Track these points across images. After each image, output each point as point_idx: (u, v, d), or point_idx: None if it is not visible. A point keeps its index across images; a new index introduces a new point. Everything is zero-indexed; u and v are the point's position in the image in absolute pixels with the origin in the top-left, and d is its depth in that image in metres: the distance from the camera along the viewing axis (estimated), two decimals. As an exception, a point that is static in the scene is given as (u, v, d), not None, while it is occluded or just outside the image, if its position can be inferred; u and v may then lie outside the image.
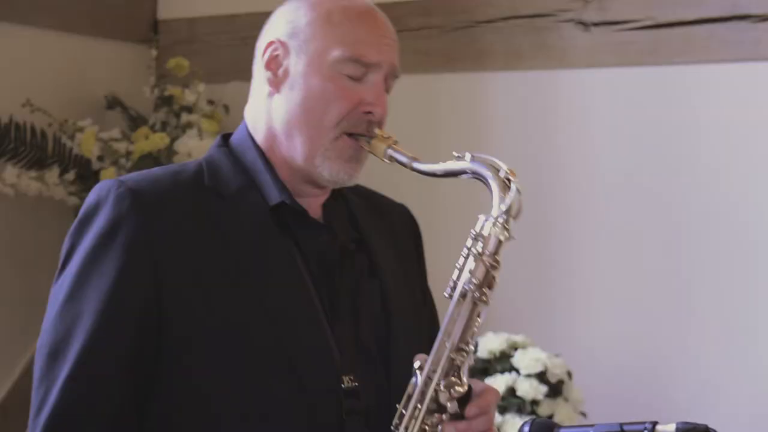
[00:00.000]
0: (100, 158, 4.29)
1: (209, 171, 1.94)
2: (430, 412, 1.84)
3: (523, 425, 1.77)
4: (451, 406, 1.84)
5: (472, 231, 1.87)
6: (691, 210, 4.09)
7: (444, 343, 1.85)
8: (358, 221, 2.03)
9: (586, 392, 3.81)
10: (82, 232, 1.87)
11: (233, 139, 2.00)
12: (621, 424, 1.71)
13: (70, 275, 1.86)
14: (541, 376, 3.69)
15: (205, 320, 1.84)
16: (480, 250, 1.86)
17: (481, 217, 1.88)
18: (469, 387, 1.86)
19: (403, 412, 1.84)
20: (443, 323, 1.86)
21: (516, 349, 3.76)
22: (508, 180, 1.87)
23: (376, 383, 1.89)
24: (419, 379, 1.84)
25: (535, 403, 3.64)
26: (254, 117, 1.99)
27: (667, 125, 4.12)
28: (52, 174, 4.28)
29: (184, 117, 4.45)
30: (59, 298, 1.86)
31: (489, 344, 3.77)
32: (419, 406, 1.83)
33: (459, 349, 1.85)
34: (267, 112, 1.96)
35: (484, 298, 1.86)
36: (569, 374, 3.79)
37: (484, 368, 3.75)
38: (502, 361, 3.74)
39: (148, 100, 4.56)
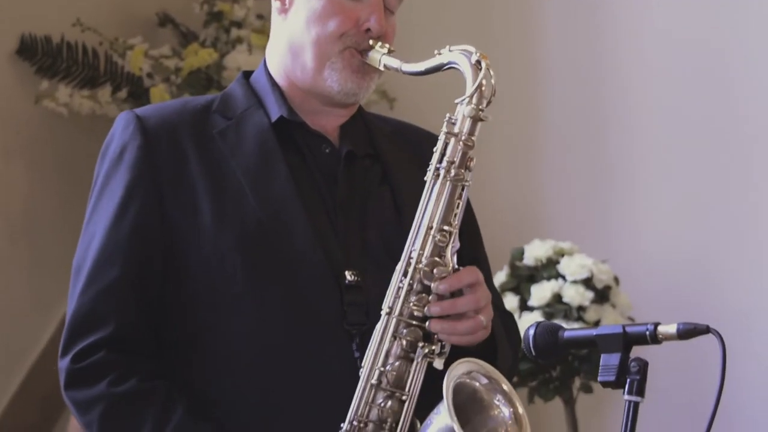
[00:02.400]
0: (150, 75, 4.33)
1: (221, 99, 2.08)
2: (415, 292, 1.88)
3: (528, 328, 1.79)
4: (436, 287, 1.87)
5: (447, 115, 1.94)
6: (749, 106, 4.04)
7: (424, 224, 1.90)
8: (376, 139, 2.11)
9: (634, 298, 3.81)
10: (102, 161, 2.04)
11: (253, 74, 2.13)
12: (623, 326, 1.73)
13: (91, 199, 2.03)
14: (588, 282, 3.70)
15: (204, 231, 1.94)
16: (455, 131, 1.91)
17: (456, 101, 1.95)
18: (456, 269, 1.89)
19: (388, 291, 1.89)
20: (421, 204, 1.92)
21: (562, 255, 3.76)
22: (479, 63, 1.93)
23: (383, 279, 1.93)
24: (402, 260, 1.89)
25: (581, 309, 3.65)
26: (270, 50, 2.12)
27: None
28: (105, 92, 4.33)
29: (234, 32, 4.47)
30: (84, 222, 2.02)
31: (535, 251, 3.77)
32: (402, 285, 1.88)
33: (441, 230, 1.89)
34: (278, 39, 2.09)
35: (461, 177, 1.91)
36: (616, 280, 3.79)
37: (530, 275, 3.76)
38: (548, 268, 3.75)
39: (198, 17, 4.57)
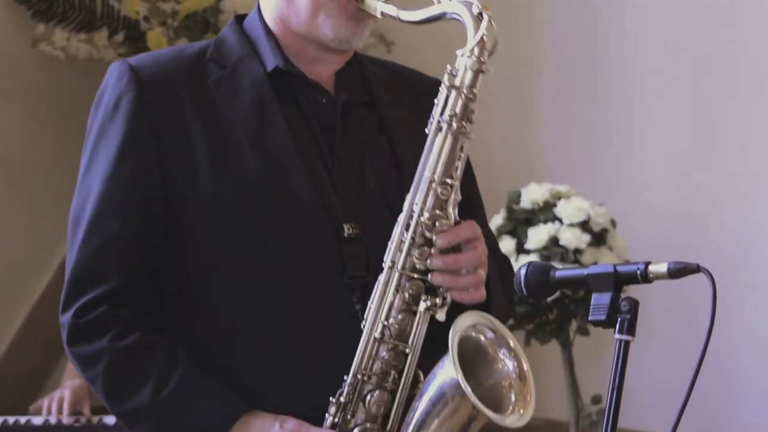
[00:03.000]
0: (147, 19, 4.31)
1: (215, 46, 2.05)
2: (417, 245, 1.87)
3: (520, 268, 1.80)
4: (435, 240, 1.87)
5: (448, 67, 1.91)
6: (750, 48, 4.02)
7: (426, 177, 1.89)
8: (372, 86, 2.08)
9: (631, 240, 3.83)
10: (96, 112, 2.01)
11: (246, 19, 2.09)
12: (615, 266, 1.73)
13: (86, 151, 2.00)
14: (584, 225, 3.70)
15: (202, 183, 1.92)
16: (456, 83, 1.90)
17: (458, 53, 1.92)
18: (458, 222, 1.89)
19: (390, 244, 1.88)
20: (423, 157, 1.90)
21: (559, 198, 3.77)
22: (481, 15, 1.90)
23: (382, 230, 1.93)
24: (403, 213, 1.89)
25: (578, 252, 3.66)
26: None
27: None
28: (101, 36, 4.32)
29: (231, -25, 4.45)
30: (80, 174, 2.00)
31: (532, 194, 3.78)
32: (404, 239, 1.88)
33: (443, 183, 1.88)
34: None
35: (463, 130, 1.89)
36: (613, 223, 3.80)
37: (527, 219, 3.77)
38: (545, 211, 3.75)
39: (196, -41, 4.55)
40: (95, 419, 3.30)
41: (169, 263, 1.95)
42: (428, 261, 1.87)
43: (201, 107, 1.96)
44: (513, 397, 1.87)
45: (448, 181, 1.89)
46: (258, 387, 1.91)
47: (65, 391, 3.40)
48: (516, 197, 3.84)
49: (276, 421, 1.87)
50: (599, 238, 3.73)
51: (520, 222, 3.77)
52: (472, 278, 1.88)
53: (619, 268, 1.72)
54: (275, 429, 1.86)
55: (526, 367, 1.89)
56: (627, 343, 1.70)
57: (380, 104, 2.07)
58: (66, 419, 3.31)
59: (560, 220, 3.71)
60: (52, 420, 3.29)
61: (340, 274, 1.93)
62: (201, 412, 1.89)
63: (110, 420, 3.27)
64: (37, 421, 3.32)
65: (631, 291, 1.81)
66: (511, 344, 1.89)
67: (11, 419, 3.31)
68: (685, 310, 3.99)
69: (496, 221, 3.81)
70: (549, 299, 3.69)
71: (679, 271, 1.69)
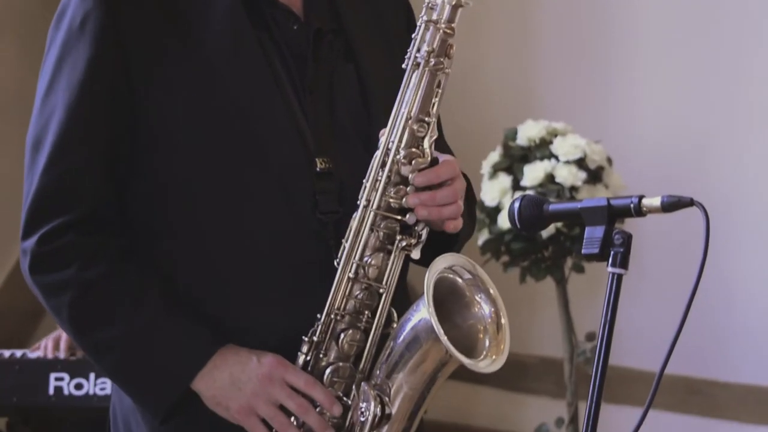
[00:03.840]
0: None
1: None
2: (393, 184, 1.86)
3: (513, 201, 1.79)
4: (413, 178, 1.85)
5: (426, 0, 1.88)
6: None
7: (403, 114, 1.86)
8: (340, 9, 2.02)
9: (627, 178, 3.82)
10: (58, 26, 1.91)
11: None
12: (608, 199, 1.73)
13: (48, 70, 1.91)
14: (580, 163, 3.70)
15: (175, 108, 1.87)
16: (434, 18, 1.87)
17: None
18: (435, 159, 1.87)
19: (365, 183, 1.86)
20: (399, 94, 1.87)
21: (555, 135, 3.76)
22: None
23: (354, 164, 1.91)
24: (379, 150, 1.86)
25: (574, 189, 3.66)
26: None
27: None
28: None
29: None
30: (39, 93, 1.92)
31: (528, 131, 3.77)
32: (380, 177, 1.86)
33: (419, 120, 1.86)
34: None
35: (440, 66, 1.86)
36: (609, 160, 3.79)
37: (523, 156, 3.76)
38: (541, 149, 3.74)
39: None
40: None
41: (138, 190, 1.89)
42: (404, 200, 1.85)
43: (173, 28, 1.88)
44: (487, 343, 1.86)
45: (425, 118, 1.86)
46: (230, 322, 1.88)
47: (63, 332, 3.41)
48: (512, 134, 3.83)
49: (252, 355, 1.85)
50: (595, 176, 3.72)
51: (516, 159, 3.76)
52: (453, 209, 1.86)
53: (613, 202, 1.72)
54: (253, 363, 1.85)
55: (503, 316, 1.87)
56: (620, 277, 1.70)
57: (348, 30, 2.01)
58: (62, 355, 3.32)
59: (556, 158, 3.70)
60: (49, 356, 3.31)
61: (313, 209, 1.90)
62: (173, 348, 1.86)
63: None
64: (33, 355, 3.33)
65: (628, 229, 1.80)
66: (491, 291, 1.88)
67: (7, 353, 3.33)
68: (679, 249, 4.00)
69: (492, 158, 3.80)
70: (544, 236, 3.69)
71: (672, 204, 1.69)
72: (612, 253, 1.70)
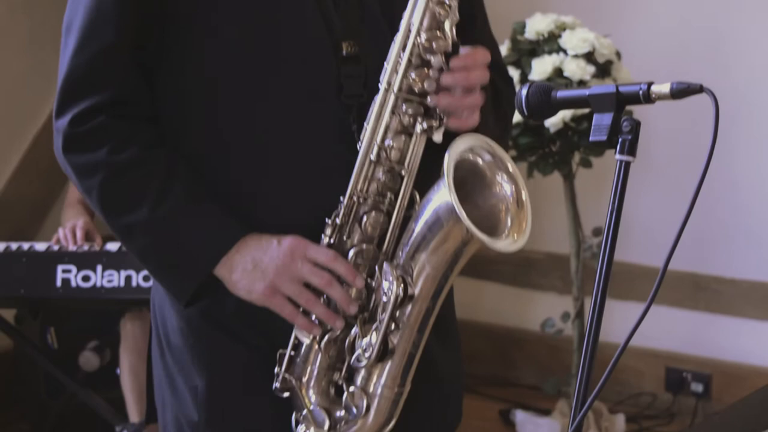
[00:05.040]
0: None
1: None
2: (414, 67, 1.84)
3: (521, 88, 1.77)
4: (435, 60, 1.84)
5: None
6: None
7: None
8: None
9: (635, 73, 3.80)
10: None
11: None
12: (616, 86, 1.71)
13: None
14: (589, 57, 3.67)
15: None
16: None
17: None
18: (456, 44, 1.85)
19: (386, 66, 1.85)
20: None
21: (564, 29, 3.73)
22: None
23: (382, 49, 1.89)
24: (400, 32, 1.85)
25: (582, 83, 3.63)
26: None
27: None
28: None
29: None
30: None
31: (536, 25, 3.74)
32: (400, 60, 1.84)
33: (440, 3, 1.84)
34: None
35: None
36: (618, 54, 3.76)
37: (531, 49, 3.73)
38: (549, 42, 3.71)
39: None
40: (98, 247, 3.33)
41: (164, 75, 1.90)
42: (425, 82, 1.83)
43: None
44: (509, 222, 1.85)
45: (447, 1, 1.84)
46: (253, 208, 1.89)
47: (78, 222, 3.42)
48: (520, 28, 3.80)
49: (273, 238, 1.86)
50: (604, 70, 3.70)
51: (524, 53, 3.74)
52: (473, 99, 1.86)
53: (621, 88, 1.70)
54: (273, 246, 1.85)
55: (524, 193, 1.87)
56: (627, 164, 1.68)
57: None
58: (72, 247, 3.34)
59: (565, 51, 3.68)
60: (70, 246, 3.32)
61: (337, 93, 1.89)
62: (198, 233, 1.87)
63: (113, 246, 3.29)
64: (40, 247, 3.35)
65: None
66: (510, 169, 1.87)
67: (14, 245, 3.34)
68: (687, 145, 3.99)
69: (499, 51, 3.77)
70: (552, 131, 3.67)
71: (681, 91, 1.66)
72: (620, 140, 1.68)
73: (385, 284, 1.82)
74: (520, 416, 4.30)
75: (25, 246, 3.34)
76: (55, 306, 3.72)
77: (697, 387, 4.45)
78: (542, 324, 4.11)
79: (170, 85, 1.91)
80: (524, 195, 1.87)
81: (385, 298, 1.83)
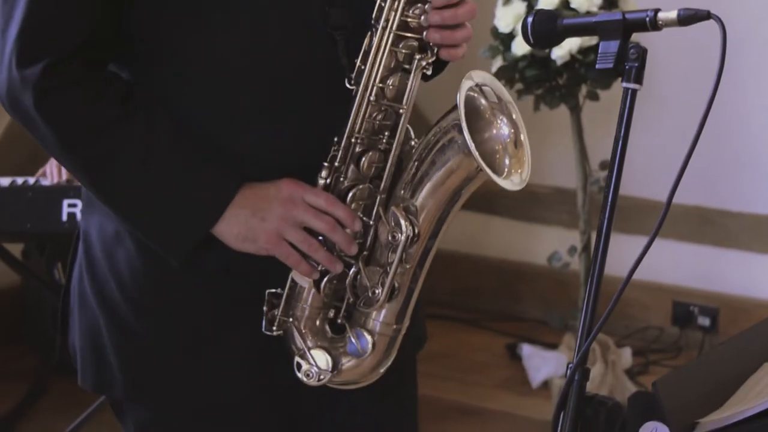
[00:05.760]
0: None
1: None
2: (410, 2, 1.80)
3: (527, 16, 1.76)
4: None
5: None
6: None
7: None
8: None
9: (644, 4, 3.76)
10: None
11: None
12: (623, 12, 1.69)
13: None
14: (596, -12, 3.64)
15: None
16: None
17: None
18: None
19: (382, 4, 1.80)
20: None
21: (571, -40, 3.69)
22: None
23: None
24: None
25: (589, 15, 3.59)
26: None
27: None
28: None
29: None
30: None
31: (544, -44, 3.70)
32: None
33: None
34: None
35: None
36: None
37: (537, -18, 3.70)
38: (556, -26, 3.68)
39: None
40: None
41: (138, 8, 1.79)
42: (422, 18, 1.80)
43: None
44: (507, 161, 1.84)
45: None
46: (240, 150, 1.83)
47: None
48: (528, -41, 3.76)
49: (269, 186, 1.82)
50: (611, 2, 3.66)
51: (530, -14, 3.71)
52: (465, 33, 1.82)
53: (628, 15, 1.68)
54: (271, 192, 1.81)
55: (523, 135, 1.83)
56: (634, 92, 1.67)
57: None
58: (63, 179, 3.33)
59: (572, -17, 3.64)
60: (55, 180, 3.32)
61: (323, 23, 1.83)
62: (193, 189, 1.80)
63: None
64: (46, 181, 3.35)
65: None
66: (513, 115, 1.84)
67: (20, 179, 3.34)
68: (696, 76, 3.96)
69: (507, -17, 3.74)
70: (559, 63, 3.65)
71: (688, 17, 1.65)
72: (626, 67, 1.66)
73: (394, 226, 1.81)
74: (526, 350, 4.31)
75: (31, 180, 3.34)
76: (61, 241, 3.72)
77: (704, 321, 4.46)
78: (549, 258, 4.11)
79: (142, 15, 1.79)
80: (523, 136, 1.84)
81: (395, 242, 1.81)
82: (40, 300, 4.21)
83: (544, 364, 4.21)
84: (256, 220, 1.81)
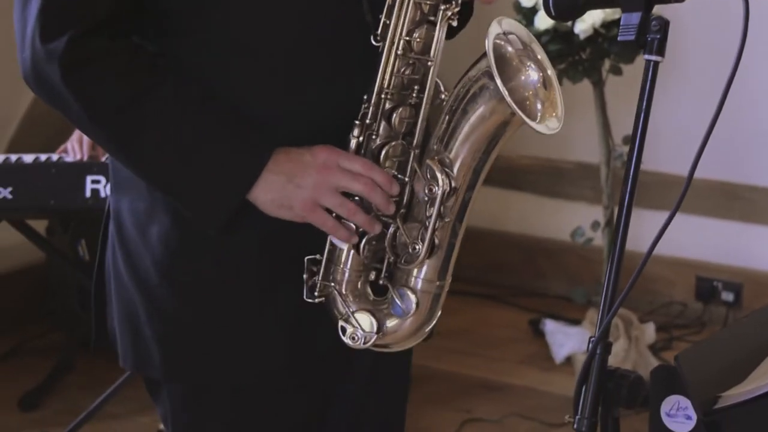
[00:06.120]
0: None
1: None
2: None
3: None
4: None
5: None
6: None
7: None
8: None
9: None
10: None
11: None
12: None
13: None
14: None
15: None
16: None
17: None
18: None
19: None
20: None
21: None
22: None
23: None
24: None
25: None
26: None
27: None
28: None
29: None
30: None
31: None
32: None
33: None
34: None
35: None
36: (649, -41, 3.71)
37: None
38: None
39: None
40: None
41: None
42: None
43: None
44: (539, 106, 1.82)
45: None
46: (275, 117, 1.82)
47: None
48: (550, -68, 3.74)
49: (304, 151, 1.80)
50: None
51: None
52: None
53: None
54: (306, 158, 1.79)
55: (553, 75, 1.82)
56: (656, 65, 1.66)
57: None
58: (85, 156, 3.33)
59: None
60: (77, 157, 3.33)
61: None
62: (227, 155, 1.79)
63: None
64: (69, 158, 3.36)
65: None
66: (539, 57, 1.82)
67: (43, 156, 3.35)
68: (721, 49, 3.93)
69: (527, -46, 3.73)
70: (582, 37, 3.63)
71: (711, -12, 1.64)
72: (648, 39, 1.65)
73: (431, 180, 1.79)
74: (550, 326, 4.31)
75: (54, 157, 3.35)
76: (85, 217, 3.73)
77: (728, 296, 4.45)
78: (572, 233, 4.10)
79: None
80: (551, 73, 1.82)
81: (432, 195, 1.79)
82: (64, 277, 4.23)
83: (568, 340, 4.21)
84: (291, 186, 1.79)
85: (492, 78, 1.74)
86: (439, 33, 1.81)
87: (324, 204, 1.80)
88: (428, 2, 1.80)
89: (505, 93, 1.73)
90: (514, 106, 1.74)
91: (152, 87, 1.77)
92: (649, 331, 4.15)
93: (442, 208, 1.79)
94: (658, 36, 1.65)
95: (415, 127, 1.82)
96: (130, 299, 1.91)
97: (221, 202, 1.80)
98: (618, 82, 3.89)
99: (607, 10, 3.55)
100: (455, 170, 1.80)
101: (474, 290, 4.72)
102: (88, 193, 3.25)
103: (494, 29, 1.79)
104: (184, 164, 1.79)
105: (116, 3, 1.76)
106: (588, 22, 3.57)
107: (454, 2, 1.81)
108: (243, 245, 1.86)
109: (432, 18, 1.81)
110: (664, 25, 1.65)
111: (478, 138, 1.79)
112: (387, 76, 1.80)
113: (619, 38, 1.67)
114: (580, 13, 1.75)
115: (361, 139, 1.81)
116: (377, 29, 1.80)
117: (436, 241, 1.81)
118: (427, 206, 1.80)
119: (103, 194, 3.24)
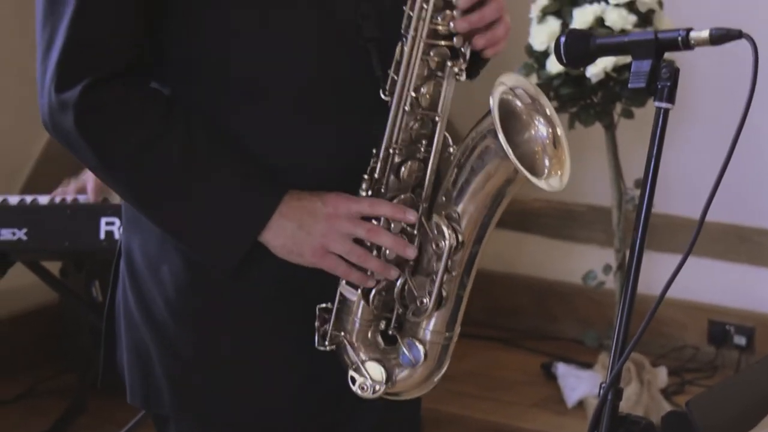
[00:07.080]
0: None
1: None
2: (437, 9, 1.81)
3: (560, 36, 1.76)
4: (460, 1, 1.80)
5: None
6: None
7: None
8: None
9: (678, 22, 3.76)
10: None
11: None
12: (655, 32, 1.70)
13: None
14: (631, 6, 3.64)
15: None
16: None
17: None
18: None
19: (410, 14, 1.81)
20: None
21: (606, -22, 3.70)
22: None
23: None
24: None
25: (623, 32, 3.60)
26: None
27: None
28: None
29: None
30: None
31: (578, -27, 3.71)
32: (425, 6, 1.80)
33: None
34: None
35: None
36: (660, 3, 3.73)
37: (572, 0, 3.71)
38: (590, -9, 3.69)
39: None
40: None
41: (172, 29, 1.80)
42: (451, 24, 1.80)
43: None
44: (546, 162, 1.85)
45: None
46: (284, 164, 1.83)
47: (90, 176, 3.39)
48: (562, -23, 3.77)
49: (315, 198, 1.82)
50: (645, 20, 3.66)
51: (565, 2, 3.71)
52: (503, 28, 1.83)
53: (660, 35, 1.69)
54: (317, 206, 1.81)
55: (560, 130, 1.85)
56: (666, 111, 1.68)
57: None
58: (69, 196, 3.33)
59: (606, 1, 3.65)
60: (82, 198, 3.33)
61: (354, 34, 1.83)
62: (238, 201, 1.80)
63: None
64: (83, 198, 3.37)
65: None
66: (548, 112, 1.86)
67: (58, 198, 3.36)
68: (729, 93, 3.95)
69: (540, 1, 3.75)
70: (593, 81, 3.65)
71: (720, 36, 1.65)
72: (659, 86, 1.67)
73: (437, 234, 1.81)
74: (562, 369, 4.30)
75: (69, 198, 3.36)
76: (99, 259, 3.74)
77: (740, 340, 4.44)
78: (584, 276, 4.10)
79: (176, 32, 1.81)
80: (560, 132, 1.85)
81: (434, 248, 1.82)
82: (78, 318, 4.24)
83: (580, 384, 4.19)
84: (302, 234, 1.81)
85: (496, 136, 1.76)
86: (446, 89, 1.83)
87: (334, 251, 1.82)
88: (435, 58, 1.82)
89: (509, 152, 1.75)
90: (518, 164, 1.76)
91: (164, 134, 1.78)
92: (662, 375, 4.14)
93: (449, 262, 1.82)
94: (668, 83, 1.67)
95: (423, 180, 1.84)
96: (140, 336, 1.93)
97: (231, 246, 1.82)
98: (629, 125, 3.90)
99: (617, 56, 3.58)
100: (462, 225, 1.82)
101: (485, 333, 4.72)
102: (102, 235, 3.26)
103: (500, 87, 1.81)
104: (195, 208, 1.81)
105: (134, 53, 1.79)
106: (599, 66, 3.59)
107: (461, 58, 1.83)
108: (255, 286, 1.87)
109: (439, 74, 1.84)
110: (675, 72, 1.67)
111: (485, 194, 1.82)
112: (395, 131, 1.82)
113: (629, 86, 1.69)
114: (590, 60, 1.77)
115: (370, 192, 1.83)
116: (386, 83, 1.82)
117: (444, 294, 1.83)
118: (435, 260, 1.82)
119: (116, 236, 3.25)
